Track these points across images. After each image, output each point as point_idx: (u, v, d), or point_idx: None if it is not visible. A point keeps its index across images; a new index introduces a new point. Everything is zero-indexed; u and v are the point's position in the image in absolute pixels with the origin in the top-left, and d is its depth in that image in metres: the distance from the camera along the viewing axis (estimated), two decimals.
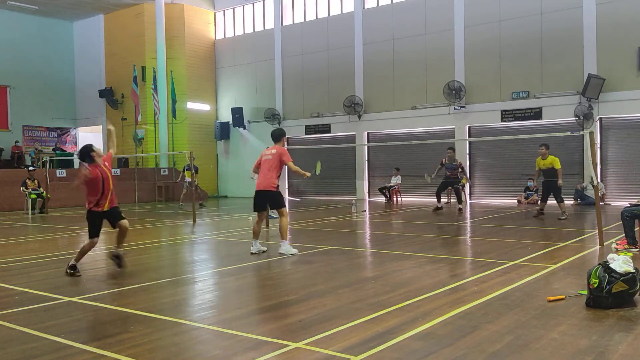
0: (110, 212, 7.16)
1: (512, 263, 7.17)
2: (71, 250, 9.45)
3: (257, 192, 8.40)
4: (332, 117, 23.24)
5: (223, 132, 26.32)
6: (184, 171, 20.13)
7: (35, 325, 4.70)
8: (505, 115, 19.19)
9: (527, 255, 7.76)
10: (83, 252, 7.12)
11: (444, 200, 17.54)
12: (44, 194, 17.64)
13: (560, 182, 12.67)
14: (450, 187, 15.89)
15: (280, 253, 8.26)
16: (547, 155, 12.77)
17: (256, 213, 8.52)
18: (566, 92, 18.02)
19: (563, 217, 12.57)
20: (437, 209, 15.48)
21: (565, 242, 9.03)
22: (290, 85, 24.64)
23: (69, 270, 6.96)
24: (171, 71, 24.61)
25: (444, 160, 15.34)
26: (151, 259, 8.54)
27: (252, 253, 8.41)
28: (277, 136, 8.55)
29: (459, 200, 15.46)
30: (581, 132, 10.81)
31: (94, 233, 7.09)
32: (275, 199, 8.42)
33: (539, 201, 14.22)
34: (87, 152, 7.11)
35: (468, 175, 19.73)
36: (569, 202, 17.54)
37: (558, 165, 12.65)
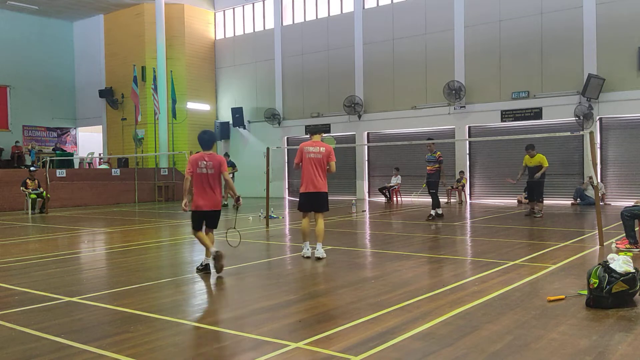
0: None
1: (512, 263, 7.17)
2: (71, 250, 9.47)
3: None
4: (332, 117, 23.23)
5: (223, 132, 26.33)
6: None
7: (35, 325, 4.69)
8: (505, 115, 19.19)
9: (527, 255, 7.75)
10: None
11: (443, 200, 17.51)
12: (44, 194, 17.63)
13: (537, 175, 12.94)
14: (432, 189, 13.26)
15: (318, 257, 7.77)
16: (534, 154, 13.17)
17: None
18: (566, 92, 18.02)
19: (538, 216, 13.11)
20: (438, 215, 13.27)
21: (565, 242, 9.02)
22: (290, 85, 24.64)
23: None
24: (171, 71, 24.61)
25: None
26: (151, 259, 8.53)
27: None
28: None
29: (434, 205, 13.29)
30: (581, 132, 10.82)
31: None
32: None
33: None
34: None
35: (460, 175, 19.64)
36: (568, 201, 17.58)
37: (546, 163, 12.98)
